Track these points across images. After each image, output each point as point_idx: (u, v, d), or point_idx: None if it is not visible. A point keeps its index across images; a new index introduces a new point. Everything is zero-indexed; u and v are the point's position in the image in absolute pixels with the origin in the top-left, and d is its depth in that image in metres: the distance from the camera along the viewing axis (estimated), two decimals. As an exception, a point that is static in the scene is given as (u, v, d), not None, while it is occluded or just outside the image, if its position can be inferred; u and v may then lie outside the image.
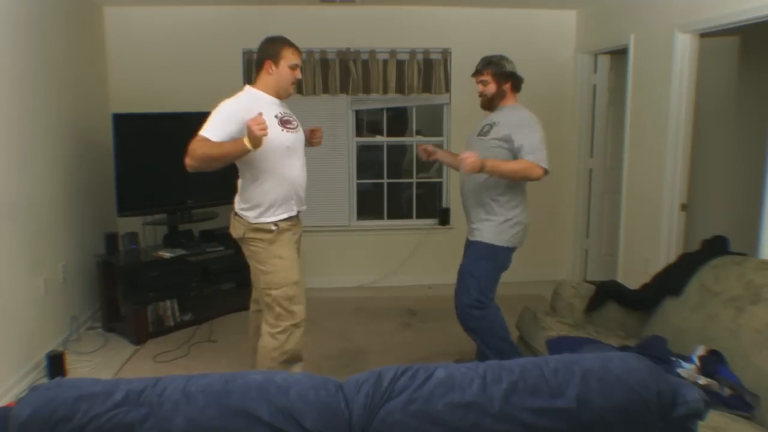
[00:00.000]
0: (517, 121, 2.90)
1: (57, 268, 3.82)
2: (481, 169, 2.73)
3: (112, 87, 4.87)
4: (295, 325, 2.78)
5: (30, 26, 3.52)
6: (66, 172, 3.98)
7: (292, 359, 2.83)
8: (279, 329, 2.76)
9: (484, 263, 2.98)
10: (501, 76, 2.97)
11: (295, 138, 2.79)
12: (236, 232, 2.81)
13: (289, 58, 2.69)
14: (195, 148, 2.48)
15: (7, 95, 3.25)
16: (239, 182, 2.80)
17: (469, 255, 3.05)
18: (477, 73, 3.02)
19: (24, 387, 3.24)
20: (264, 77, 2.72)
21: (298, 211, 2.92)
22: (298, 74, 2.76)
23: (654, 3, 3.97)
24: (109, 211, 4.40)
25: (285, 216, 2.78)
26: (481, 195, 2.98)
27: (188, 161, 2.50)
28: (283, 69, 2.69)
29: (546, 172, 2.82)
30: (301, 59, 2.80)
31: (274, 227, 2.72)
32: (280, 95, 2.77)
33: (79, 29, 4.35)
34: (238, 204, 2.81)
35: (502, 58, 3.00)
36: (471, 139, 3.11)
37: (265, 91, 2.73)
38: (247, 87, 2.77)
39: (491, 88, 2.98)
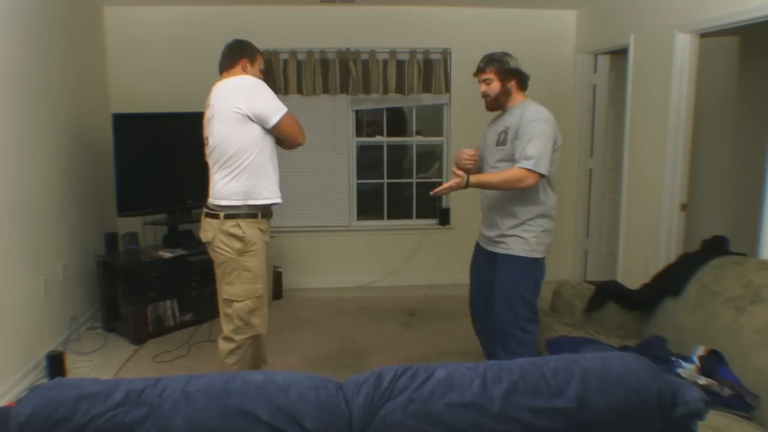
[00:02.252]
0: (529, 115, 2.65)
1: (57, 268, 3.82)
2: (466, 186, 2.57)
3: (112, 87, 4.87)
4: (254, 338, 2.73)
5: (30, 26, 3.52)
6: (66, 172, 3.98)
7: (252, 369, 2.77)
8: (235, 345, 2.69)
9: (527, 279, 2.73)
10: (505, 74, 2.73)
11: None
12: (206, 234, 2.71)
13: (260, 62, 2.86)
14: (294, 124, 2.70)
15: (7, 95, 3.25)
16: (216, 178, 2.67)
17: (508, 272, 2.74)
18: (479, 71, 2.78)
19: (24, 387, 3.24)
20: (237, 74, 2.72)
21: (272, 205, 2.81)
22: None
23: (654, 3, 3.97)
24: (109, 211, 4.40)
25: (271, 201, 2.70)
26: (507, 204, 2.74)
27: (301, 136, 2.73)
28: (256, 71, 2.81)
29: (539, 179, 2.60)
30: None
31: (242, 234, 2.62)
32: None
33: (79, 29, 4.36)
34: (214, 200, 2.68)
35: (505, 54, 2.77)
36: (487, 149, 2.85)
37: None
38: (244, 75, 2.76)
39: (495, 86, 2.74)
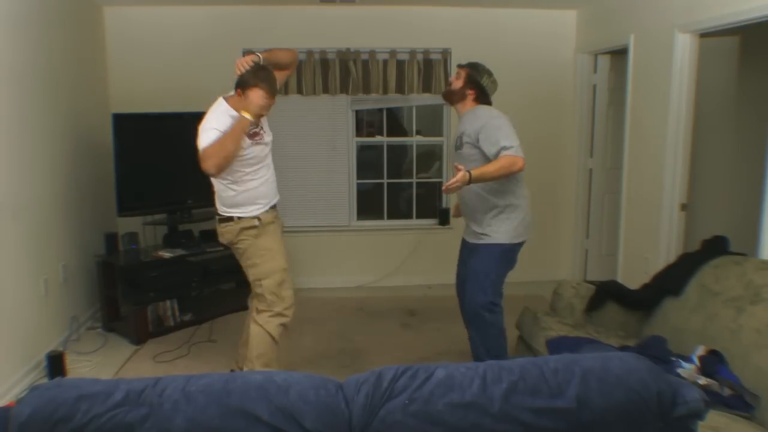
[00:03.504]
0: (480, 120, 2.92)
1: (57, 268, 3.82)
2: (470, 181, 2.76)
3: (112, 87, 4.87)
4: (290, 307, 3.02)
5: (30, 26, 3.52)
6: (66, 172, 3.98)
7: (278, 344, 3.03)
8: (270, 313, 2.99)
9: (500, 264, 3.01)
10: (471, 81, 3.01)
11: (259, 149, 2.99)
12: (225, 237, 3.03)
13: (256, 96, 2.82)
14: (208, 155, 2.73)
15: (7, 95, 3.25)
16: (216, 189, 3.00)
17: (480, 256, 3.03)
18: (459, 65, 3.11)
19: (24, 387, 3.24)
20: (235, 97, 2.89)
21: (274, 205, 3.12)
22: (266, 109, 2.89)
23: (654, 3, 3.97)
24: (109, 211, 4.40)
25: (263, 209, 2.99)
26: (486, 200, 2.99)
27: (207, 164, 2.73)
28: (248, 99, 2.83)
29: (524, 163, 2.82)
30: (272, 101, 2.91)
31: (257, 222, 2.95)
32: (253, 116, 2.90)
33: (79, 29, 4.36)
34: (219, 209, 3.03)
35: (486, 72, 3.04)
36: (452, 156, 3.17)
37: (234, 108, 2.87)
38: (220, 99, 2.94)
39: (458, 83, 3.03)
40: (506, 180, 2.91)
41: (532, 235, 3.12)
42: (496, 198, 2.96)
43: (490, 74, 3.05)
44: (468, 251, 3.16)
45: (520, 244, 3.04)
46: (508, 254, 3.01)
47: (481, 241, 3.04)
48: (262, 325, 2.99)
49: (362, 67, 4.97)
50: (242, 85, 2.84)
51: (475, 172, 2.76)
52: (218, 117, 2.84)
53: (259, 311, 3.03)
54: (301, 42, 4.92)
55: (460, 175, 2.73)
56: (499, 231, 2.98)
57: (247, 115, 2.77)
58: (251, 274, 3.01)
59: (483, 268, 3.01)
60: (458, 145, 3.05)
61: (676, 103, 3.73)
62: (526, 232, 3.04)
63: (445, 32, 5.05)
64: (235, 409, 1.19)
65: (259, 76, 2.80)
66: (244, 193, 2.95)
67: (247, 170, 2.93)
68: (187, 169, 4.38)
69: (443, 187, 2.84)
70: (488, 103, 3.06)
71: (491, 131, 2.84)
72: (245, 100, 2.82)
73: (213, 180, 2.95)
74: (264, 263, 2.97)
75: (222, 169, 2.76)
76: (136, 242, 4.41)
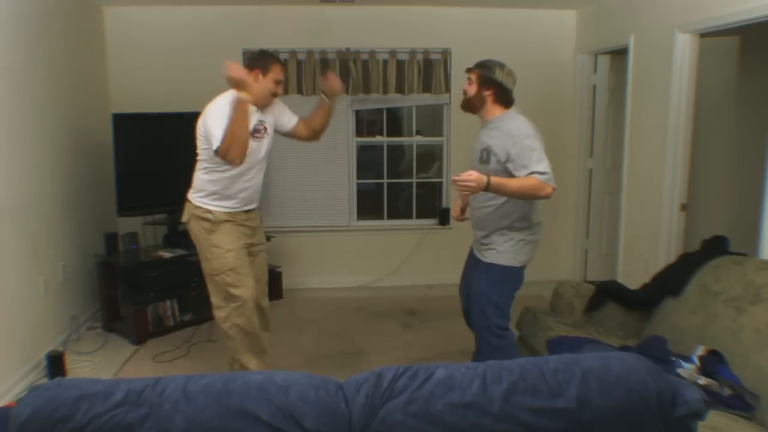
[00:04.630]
0: (512, 139, 2.61)
1: (57, 268, 3.82)
2: (486, 189, 2.48)
3: (112, 87, 4.87)
4: (241, 306, 2.97)
5: (30, 26, 3.52)
6: (66, 172, 3.97)
7: (245, 338, 3.01)
8: (224, 308, 2.99)
9: (503, 287, 2.83)
10: (485, 81, 2.70)
11: (256, 146, 2.95)
12: (184, 216, 3.05)
13: (276, 72, 2.94)
14: (226, 146, 2.72)
15: (7, 95, 3.25)
16: (196, 174, 3.00)
17: (484, 278, 2.84)
18: (467, 69, 2.82)
19: (24, 387, 3.24)
20: (250, 83, 2.87)
21: (248, 210, 3.08)
22: (279, 89, 3.00)
23: (654, 3, 3.97)
24: (109, 211, 4.40)
25: (223, 209, 2.95)
26: (498, 222, 2.78)
27: (232, 155, 2.73)
28: (269, 80, 2.92)
29: (554, 190, 2.57)
30: (284, 77, 3.06)
31: (210, 216, 2.93)
32: (258, 103, 2.94)
33: (79, 29, 4.35)
34: (191, 190, 3.03)
35: (499, 65, 2.73)
36: (473, 161, 2.87)
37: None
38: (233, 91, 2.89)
39: (472, 89, 2.73)
40: (524, 202, 2.69)
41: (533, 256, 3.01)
42: (508, 218, 2.75)
43: (502, 66, 2.73)
44: (473, 262, 2.99)
45: (524, 267, 2.87)
46: (510, 276, 2.82)
47: (485, 259, 2.85)
48: (219, 326, 3.04)
49: (362, 67, 4.97)
50: (261, 64, 2.88)
51: (494, 180, 2.48)
52: (224, 98, 2.84)
53: (214, 307, 3.03)
54: (301, 42, 4.92)
55: (476, 175, 2.44)
56: (503, 252, 2.78)
57: (245, 96, 2.73)
58: (204, 267, 3.03)
59: (484, 290, 2.83)
60: (484, 159, 2.74)
61: (676, 103, 3.73)
62: (529, 256, 2.85)
63: (445, 32, 5.05)
64: (235, 409, 1.19)
65: (272, 55, 2.88)
66: (212, 185, 2.92)
67: (226, 167, 2.86)
68: (187, 169, 4.36)
69: (453, 177, 2.51)
70: (510, 99, 2.75)
71: (524, 153, 2.55)
72: (260, 83, 2.86)
73: (198, 166, 2.98)
74: (214, 259, 2.95)
75: (244, 154, 2.76)
76: (136, 242, 4.41)
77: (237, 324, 2.97)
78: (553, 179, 2.55)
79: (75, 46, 4.23)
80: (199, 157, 2.96)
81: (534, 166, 2.52)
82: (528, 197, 2.62)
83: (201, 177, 2.96)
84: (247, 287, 2.97)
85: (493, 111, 2.75)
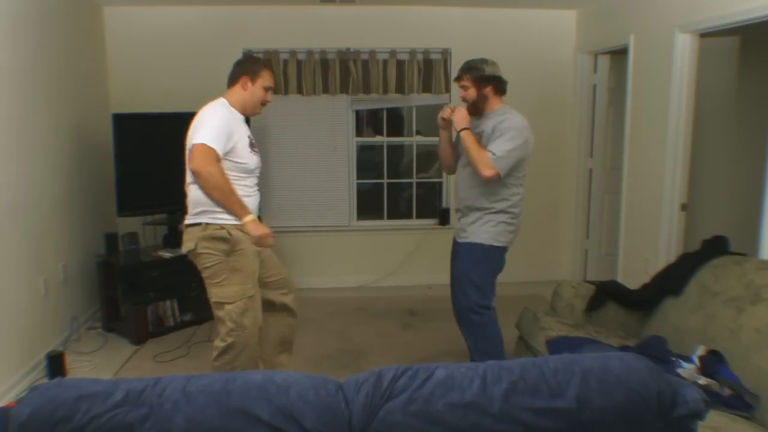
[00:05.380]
0: (502, 126, 2.81)
1: (57, 268, 3.82)
2: (458, 128, 2.82)
3: (112, 87, 4.87)
4: (246, 338, 2.70)
5: (30, 26, 3.52)
6: (66, 172, 3.98)
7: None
8: (226, 343, 2.68)
9: (481, 266, 2.96)
10: (480, 80, 2.87)
11: (258, 160, 2.83)
12: (187, 245, 2.67)
13: (266, 79, 2.77)
14: (214, 172, 2.53)
15: (8, 95, 3.25)
16: (189, 189, 2.69)
17: (464, 259, 3.01)
18: (457, 78, 2.98)
19: (24, 387, 3.24)
20: (237, 92, 2.74)
21: None
22: (269, 97, 2.83)
23: (654, 3, 3.97)
24: (109, 211, 4.40)
25: (236, 224, 2.65)
26: (479, 200, 2.96)
27: (203, 179, 2.52)
28: (258, 88, 2.75)
29: (498, 178, 2.77)
30: (273, 85, 2.88)
31: (227, 235, 2.62)
32: (247, 112, 2.79)
33: (79, 29, 4.36)
34: (190, 212, 2.70)
35: (482, 61, 2.91)
36: (462, 149, 3.04)
37: (235, 107, 2.74)
38: (223, 99, 2.76)
39: (471, 93, 2.90)
40: (503, 185, 2.88)
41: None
42: (488, 199, 2.92)
43: (485, 60, 2.91)
44: (455, 251, 3.13)
45: (502, 249, 2.98)
46: (489, 256, 2.94)
47: (463, 240, 3.01)
48: (214, 363, 2.72)
49: (362, 67, 4.97)
50: (250, 70, 2.71)
51: (465, 133, 2.80)
52: (223, 109, 2.67)
53: (220, 337, 2.71)
54: (301, 42, 4.93)
55: (463, 113, 2.80)
56: (480, 231, 2.93)
57: (249, 233, 2.60)
58: (213, 295, 2.68)
59: (464, 269, 2.97)
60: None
61: (676, 103, 3.73)
62: (508, 238, 2.98)
63: (445, 32, 5.05)
64: (235, 409, 1.19)
65: (261, 60, 2.70)
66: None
67: (237, 174, 2.68)
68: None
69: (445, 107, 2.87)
70: (505, 86, 2.93)
71: (504, 136, 2.77)
72: (248, 91, 2.70)
73: (188, 180, 2.70)
74: (231, 285, 2.64)
75: (204, 181, 2.54)
76: (136, 242, 4.41)
77: (236, 367, 2.70)
78: (500, 165, 2.74)
79: (75, 46, 4.23)
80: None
81: (497, 147, 2.75)
82: (473, 163, 2.80)
83: (198, 192, 2.64)
84: (258, 315, 2.74)
85: (494, 103, 2.94)
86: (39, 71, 3.62)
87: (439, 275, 5.17)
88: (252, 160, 2.76)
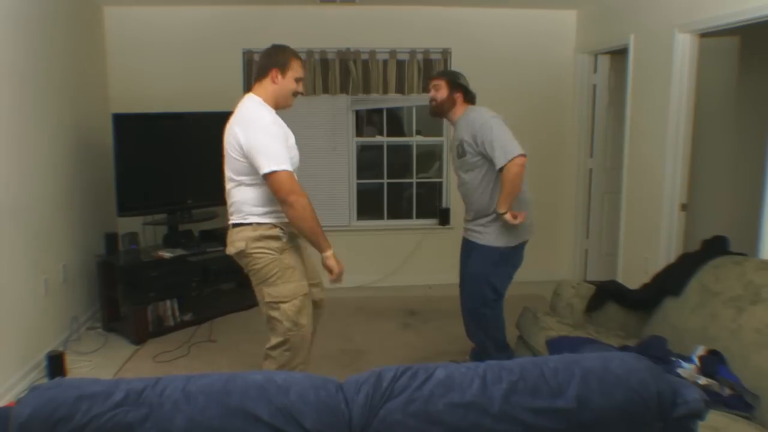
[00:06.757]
0: (476, 122, 2.93)
1: (57, 268, 3.82)
2: (507, 211, 2.86)
3: (112, 87, 4.87)
4: (302, 336, 2.64)
5: (30, 26, 3.52)
6: (66, 173, 3.98)
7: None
8: (285, 347, 2.61)
9: (499, 269, 3.04)
10: (454, 85, 3.05)
11: (296, 154, 2.71)
12: (237, 245, 2.57)
13: (296, 70, 2.61)
14: (306, 204, 2.55)
15: (8, 95, 3.25)
16: (237, 190, 2.58)
17: (478, 261, 3.05)
18: (431, 78, 3.15)
19: (24, 387, 3.24)
20: (267, 85, 2.58)
21: None
22: (301, 88, 2.67)
23: (654, 3, 3.97)
24: (109, 211, 4.40)
25: (284, 222, 2.61)
26: (483, 199, 3.00)
27: (295, 210, 2.52)
28: (290, 80, 2.59)
29: (525, 158, 2.85)
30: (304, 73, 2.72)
31: (279, 233, 2.58)
32: (279, 106, 2.63)
33: (79, 29, 4.35)
34: (235, 213, 2.60)
35: (457, 73, 3.13)
36: (455, 164, 3.17)
37: (268, 102, 2.58)
38: (253, 95, 2.59)
39: (442, 93, 3.05)
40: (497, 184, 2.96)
41: (532, 235, 3.12)
42: (495, 202, 2.97)
43: (458, 73, 3.13)
44: (466, 251, 3.19)
45: (520, 245, 3.06)
46: (504, 257, 3.03)
47: (476, 240, 3.07)
48: (269, 364, 2.64)
49: (362, 67, 4.97)
50: (279, 62, 2.54)
51: (503, 208, 2.86)
52: (264, 112, 2.52)
53: (272, 347, 2.61)
54: (301, 42, 4.92)
55: (509, 216, 2.84)
56: (493, 233, 3.00)
57: (332, 252, 2.68)
58: (267, 295, 2.58)
59: (480, 271, 3.06)
60: (460, 153, 3.05)
61: (676, 103, 3.73)
62: (524, 233, 3.05)
63: (445, 32, 5.05)
64: (235, 409, 1.19)
65: (289, 49, 2.56)
66: (272, 198, 2.55)
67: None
68: (187, 169, 4.40)
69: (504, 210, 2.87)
70: (474, 98, 3.11)
71: (486, 137, 2.86)
72: (279, 84, 2.54)
73: (232, 182, 2.59)
74: (287, 283, 2.57)
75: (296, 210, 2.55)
76: (136, 242, 4.41)
77: (295, 366, 2.64)
78: (518, 147, 2.83)
79: (75, 47, 4.23)
80: (240, 173, 2.54)
81: (495, 152, 2.84)
82: (519, 181, 2.88)
83: (254, 192, 2.55)
84: (311, 314, 2.69)
85: (459, 110, 3.10)
86: (39, 71, 3.62)
87: (440, 275, 5.19)
88: (297, 156, 2.68)
